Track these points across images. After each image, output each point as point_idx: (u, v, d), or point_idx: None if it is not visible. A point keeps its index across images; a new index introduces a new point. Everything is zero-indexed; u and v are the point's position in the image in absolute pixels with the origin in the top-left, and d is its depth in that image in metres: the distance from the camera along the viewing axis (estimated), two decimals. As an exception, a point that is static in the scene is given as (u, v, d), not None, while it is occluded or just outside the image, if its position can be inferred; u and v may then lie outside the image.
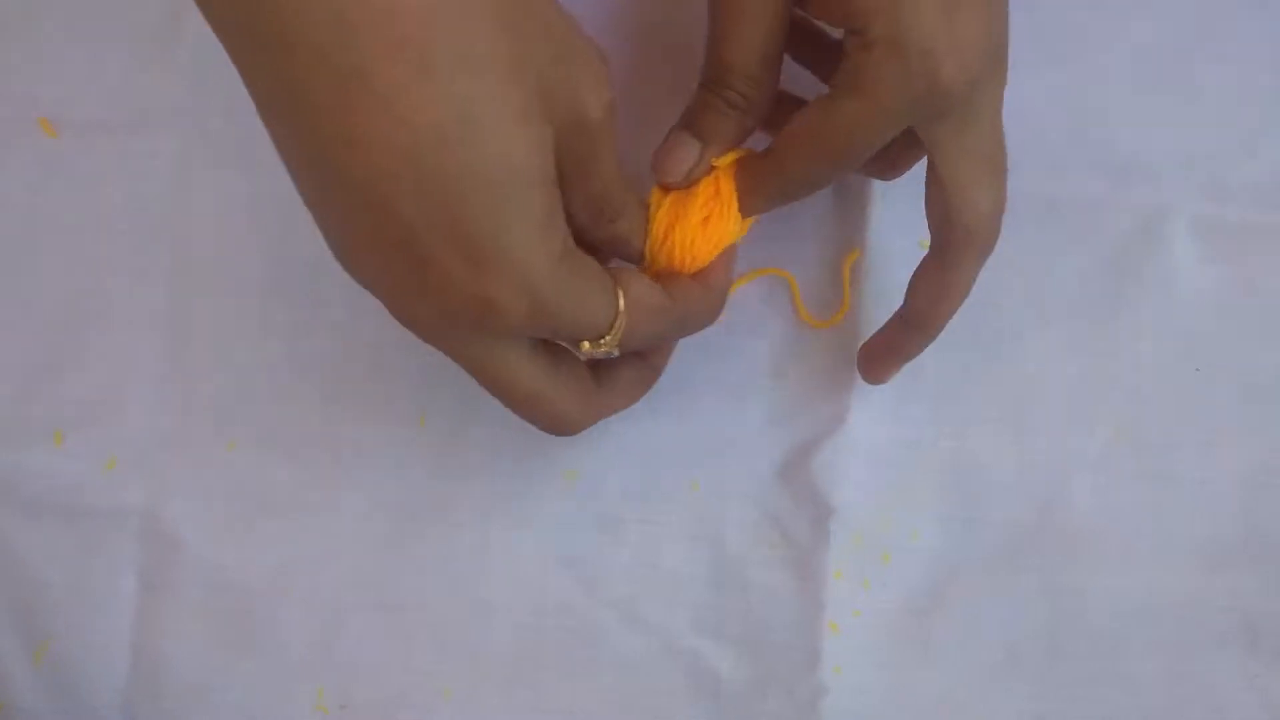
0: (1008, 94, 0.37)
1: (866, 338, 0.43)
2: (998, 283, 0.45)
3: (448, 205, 0.30)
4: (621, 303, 0.35)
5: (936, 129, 0.36)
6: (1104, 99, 0.46)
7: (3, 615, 0.45)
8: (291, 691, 0.45)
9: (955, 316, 0.43)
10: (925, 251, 0.39)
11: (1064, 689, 0.45)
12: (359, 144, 0.29)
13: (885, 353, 0.42)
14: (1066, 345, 0.46)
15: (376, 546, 0.45)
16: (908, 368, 0.43)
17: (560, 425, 0.38)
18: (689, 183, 0.39)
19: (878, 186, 0.45)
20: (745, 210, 0.39)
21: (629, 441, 0.46)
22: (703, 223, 0.39)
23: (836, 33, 0.38)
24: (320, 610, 0.45)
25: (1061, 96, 0.46)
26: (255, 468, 0.45)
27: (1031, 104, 0.45)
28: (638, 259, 0.39)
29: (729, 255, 0.40)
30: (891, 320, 0.41)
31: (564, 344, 0.37)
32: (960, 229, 0.38)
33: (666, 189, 0.39)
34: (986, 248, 0.39)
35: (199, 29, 0.45)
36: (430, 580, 0.45)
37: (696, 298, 0.38)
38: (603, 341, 0.36)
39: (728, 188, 0.39)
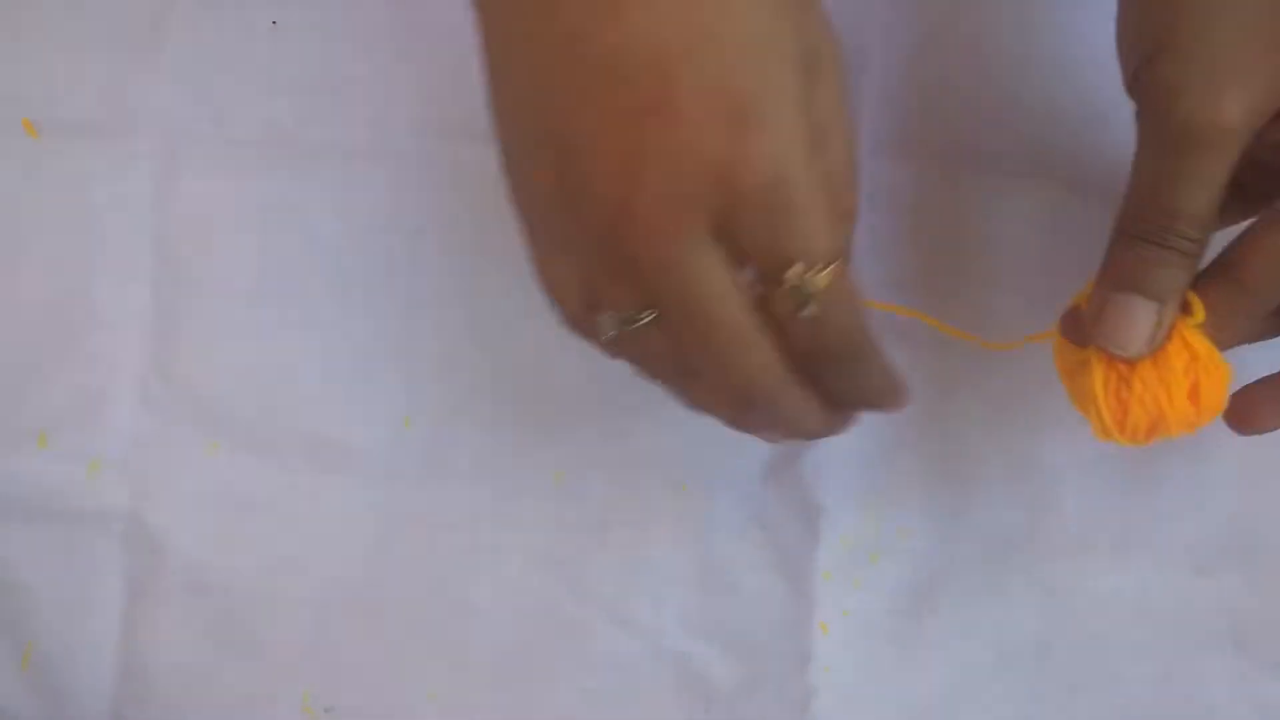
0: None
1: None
2: (989, 282, 0.45)
3: (716, 63, 0.28)
4: (838, 263, 0.30)
5: None
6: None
7: (-13, 620, 0.45)
8: (278, 694, 0.45)
9: (948, 315, 0.44)
10: None
11: (1054, 690, 0.45)
12: (624, 10, 0.28)
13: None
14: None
15: (362, 549, 0.45)
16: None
17: (752, 389, 0.32)
18: (1153, 351, 0.34)
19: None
20: (1223, 346, 0.34)
21: (616, 442, 0.45)
22: (1192, 395, 0.34)
23: None
24: (306, 613, 0.45)
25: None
26: (239, 470, 0.45)
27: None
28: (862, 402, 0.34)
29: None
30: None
31: (769, 270, 0.30)
32: None
33: (1109, 360, 0.34)
34: None
35: (183, 31, 0.45)
36: (416, 582, 0.45)
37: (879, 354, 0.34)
38: (820, 271, 0.30)
39: (1203, 346, 0.34)
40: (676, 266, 0.29)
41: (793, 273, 0.30)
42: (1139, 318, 0.33)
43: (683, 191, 0.29)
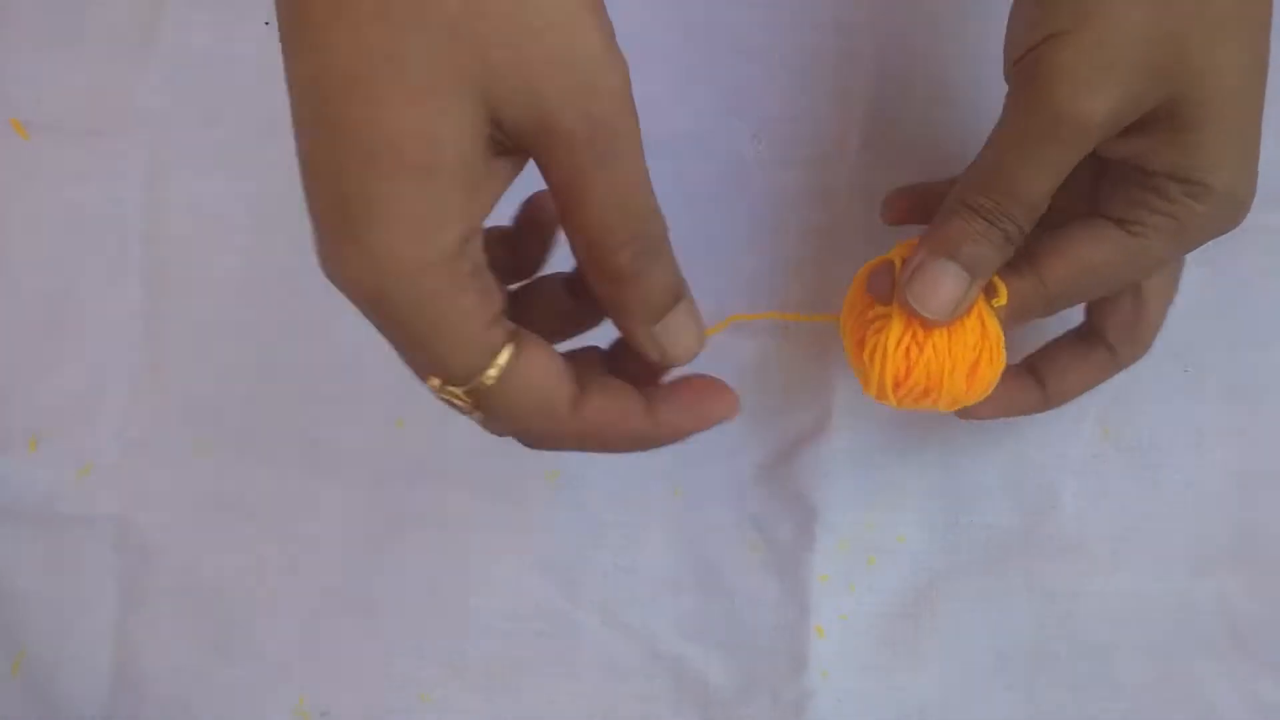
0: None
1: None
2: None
3: (340, 161, 0.27)
4: (500, 360, 0.29)
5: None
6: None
7: (-22, 624, 0.45)
8: (272, 698, 0.45)
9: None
10: None
11: (1052, 692, 0.44)
12: (296, 73, 0.27)
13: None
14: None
15: (355, 551, 0.45)
16: None
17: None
18: (950, 320, 0.34)
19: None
20: (1007, 330, 0.36)
21: (610, 445, 0.45)
22: (970, 371, 0.35)
23: None
24: (299, 616, 0.45)
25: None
26: (230, 473, 0.45)
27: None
28: (638, 347, 0.31)
29: (708, 388, 0.33)
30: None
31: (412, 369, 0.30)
32: (1140, 345, 0.39)
33: (908, 321, 0.35)
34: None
35: (173, 32, 0.45)
36: (409, 585, 0.45)
37: (616, 420, 0.31)
38: (451, 390, 0.29)
39: (995, 329, 0.35)
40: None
41: (431, 385, 0.30)
42: (951, 284, 0.34)
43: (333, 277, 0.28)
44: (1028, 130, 0.33)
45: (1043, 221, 0.34)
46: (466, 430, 0.44)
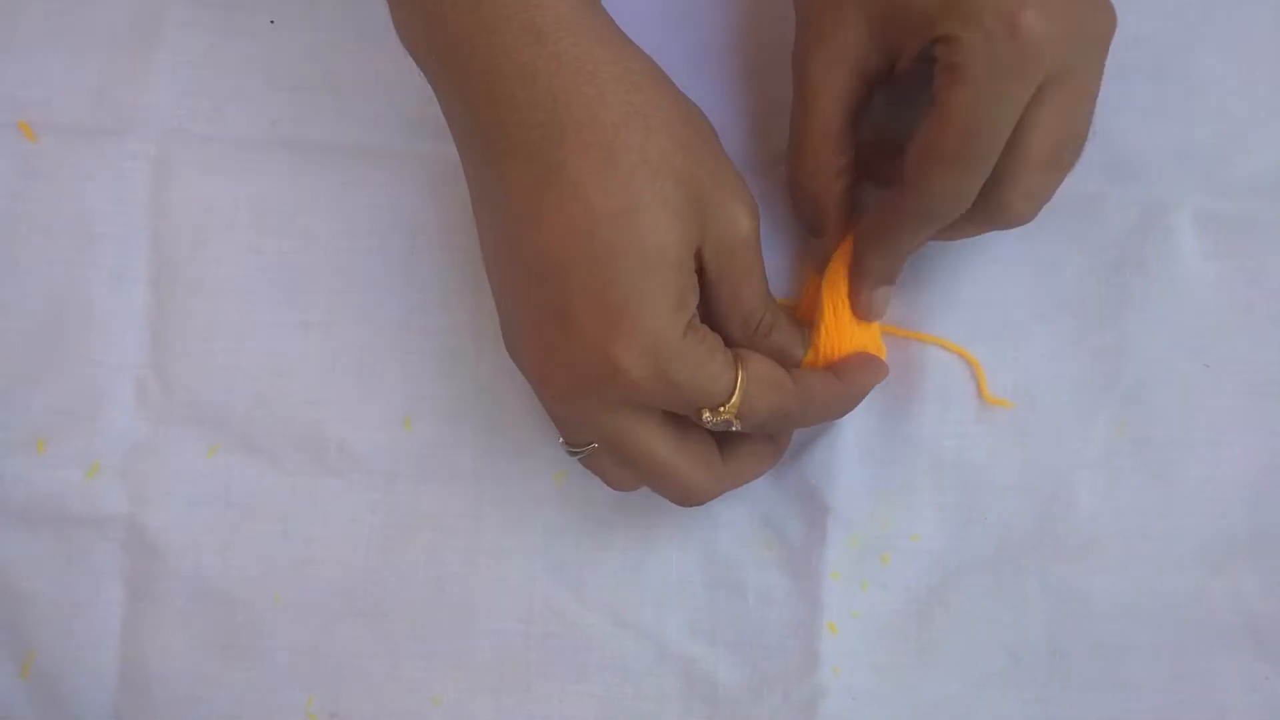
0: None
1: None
2: (999, 280, 0.44)
3: (602, 275, 0.35)
4: (741, 375, 0.37)
5: (1028, 111, 0.37)
6: (1102, 92, 0.45)
7: (-12, 627, 0.45)
8: (281, 700, 0.45)
9: (957, 314, 0.44)
10: None
11: (1065, 691, 0.44)
12: (545, 220, 0.35)
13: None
14: (1069, 342, 0.45)
15: (363, 551, 0.45)
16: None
17: (688, 495, 0.40)
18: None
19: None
20: (887, 252, 0.41)
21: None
22: (817, 346, 0.42)
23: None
24: (308, 617, 0.45)
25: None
26: (238, 473, 0.45)
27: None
28: (796, 365, 0.41)
29: (867, 358, 0.42)
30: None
31: (688, 414, 0.38)
32: (984, 222, 0.40)
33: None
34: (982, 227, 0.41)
35: (178, 32, 0.45)
36: (418, 586, 0.45)
37: (820, 385, 0.40)
38: (721, 410, 0.37)
39: (839, 302, 0.42)
40: (599, 427, 0.38)
41: (704, 419, 0.38)
42: (886, 297, 0.43)
43: (577, 384, 0.37)
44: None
45: None
46: (475, 430, 0.45)
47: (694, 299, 0.37)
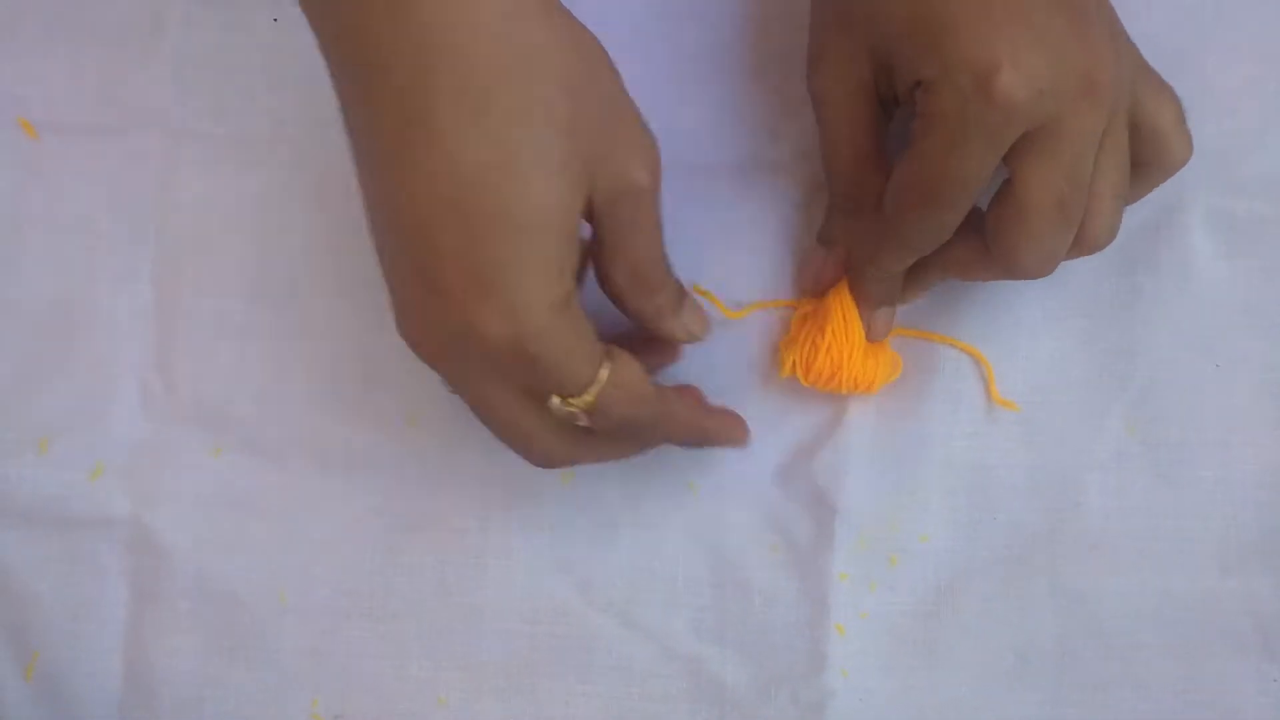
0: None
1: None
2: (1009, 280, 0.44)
3: (468, 237, 0.33)
4: (603, 373, 0.36)
5: (1020, 162, 0.36)
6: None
7: (-7, 629, 0.44)
8: (286, 701, 0.45)
9: (968, 314, 0.44)
10: None
11: (1075, 693, 0.44)
12: (412, 174, 0.33)
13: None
14: (1079, 341, 0.45)
15: (368, 552, 0.45)
16: (915, 367, 0.43)
17: (540, 459, 0.39)
18: (820, 289, 0.43)
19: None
20: (877, 276, 0.41)
21: (625, 443, 0.45)
22: (865, 359, 0.43)
23: None
24: (313, 618, 0.45)
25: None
26: (243, 474, 0.45)
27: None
28: (670, 336, 0.40)
29: (735, 419, 0.43)
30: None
31: (540, 393, 0.37)
32: (994, 269, 0.39)
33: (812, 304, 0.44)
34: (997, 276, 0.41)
35: (181, 29, 0.45)
36: (424, 586, 0.45)
37: (683, 410, 0.40)
38: (572, 401, 0.36)
39: (849, 310, 0.42)
40: (460, 385, 0.37)
41: (552, 403, 0.36)
42: (814, 261, 0.43)
43: (443, 343, 0.36)
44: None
45: None
46: (480, 430, 0.44)
47: (572, 267, 0.35)
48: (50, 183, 0.45)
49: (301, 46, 0.44)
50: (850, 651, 0.44)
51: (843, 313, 0.42)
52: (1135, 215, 0.44)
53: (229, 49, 0.45)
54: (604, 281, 0.38)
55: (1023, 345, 0.45)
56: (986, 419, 0.45)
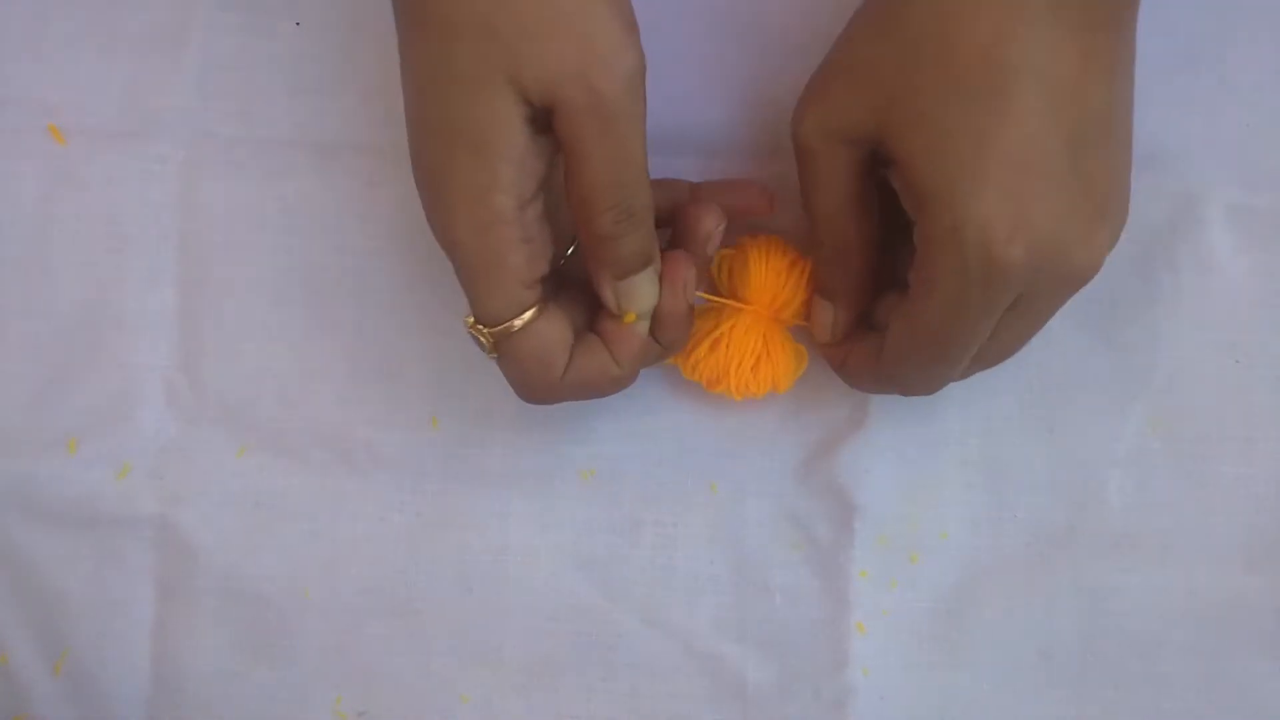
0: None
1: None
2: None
3: (419, 145, 0.35)
4: (518, 321, 0.36)
5: (1011, 317, 0.36)
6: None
7: (21, 626, 0.45)
8: (310, 698, 0.45)
9: None
10: None
11: (1097, 691, 0.44)
12: (403, 73, 0.35)
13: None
14: (1099, 338, 0.45)
15: (391, 551, 0.45)
16: None
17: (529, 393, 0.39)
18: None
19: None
20: (857, 387, 0.42)
21: (645, 442, 0.45)
22: (753, 367, 0.42)
23: None
24: (337, 616, 0.45)
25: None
26: (267, 473, 0.45)
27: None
28: (601, 297, 0.38)
29: (647, 345, 0.39)
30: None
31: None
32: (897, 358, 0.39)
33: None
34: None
35: (205, 35, 0.46)
36: (446, 584, 0.45)
37: (601, 366, 0.38)
38: (479, 328, 0.37)
39: (783, 339, 0.43)
40: None
41: (468, 322, 0.37)
42: (820, 315, 0.41)
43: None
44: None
45: None
46: (503, 428, 0.45)
47: (510, 189, 0.34)
48: (78, 187, 0.45)
49: (324, 51, 0.45)
50: (871, 649, 0.44)
51: (746, 324, 0.42)
52: (1155, 210, 0.44)
53: (253, 54, 0.45)
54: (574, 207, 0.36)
55: (1040, 342, 0.44)
56: (1006, 415, 0.44)
